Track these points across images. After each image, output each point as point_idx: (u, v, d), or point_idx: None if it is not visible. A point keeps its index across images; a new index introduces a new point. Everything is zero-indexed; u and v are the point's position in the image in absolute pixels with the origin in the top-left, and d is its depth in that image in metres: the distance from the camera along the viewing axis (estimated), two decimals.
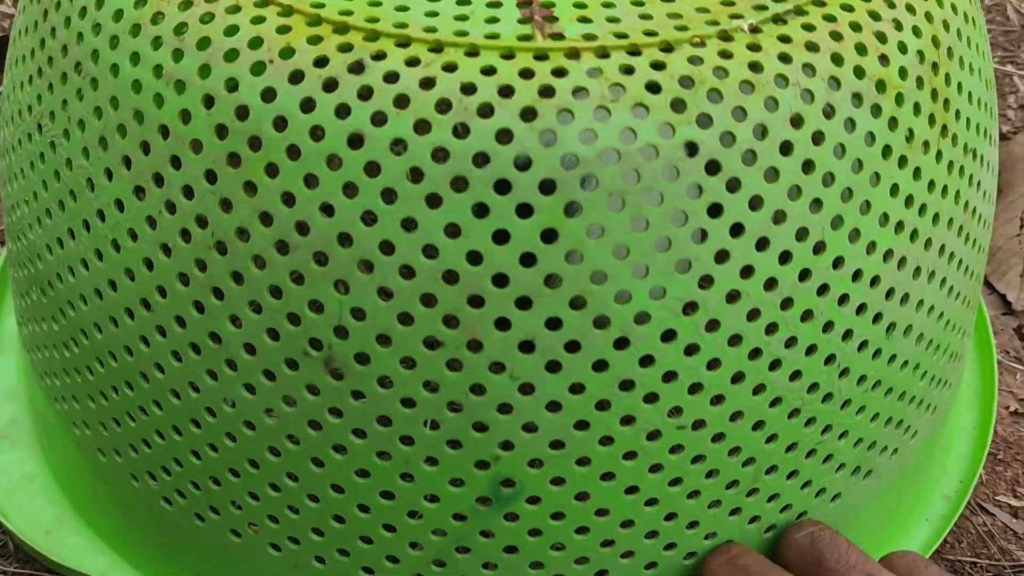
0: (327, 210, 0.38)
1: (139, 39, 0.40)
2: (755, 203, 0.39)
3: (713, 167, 0.38)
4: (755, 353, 0.41)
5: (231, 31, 0.39)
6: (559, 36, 0.39)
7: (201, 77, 0.39)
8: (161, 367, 0.41)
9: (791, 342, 0.41)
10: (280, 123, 0.38)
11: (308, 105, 0.38)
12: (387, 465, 0.41)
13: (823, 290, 0.41)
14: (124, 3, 0.41)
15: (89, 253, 0.42)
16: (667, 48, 0.39)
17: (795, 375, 0.42)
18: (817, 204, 0.40)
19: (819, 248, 0.40)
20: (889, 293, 0.43)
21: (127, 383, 0.43)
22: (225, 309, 0.39)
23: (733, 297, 0.40)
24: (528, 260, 0.38)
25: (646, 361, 0.40)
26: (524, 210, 0.38)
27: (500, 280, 0.38)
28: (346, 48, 0.38)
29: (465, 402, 0.39)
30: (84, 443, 0.49)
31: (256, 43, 0.39)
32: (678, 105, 0.38)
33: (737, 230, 0.39)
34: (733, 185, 0.39)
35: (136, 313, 0.41)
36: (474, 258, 0.38)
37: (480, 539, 0.43)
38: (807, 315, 0.41)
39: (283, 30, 0.39)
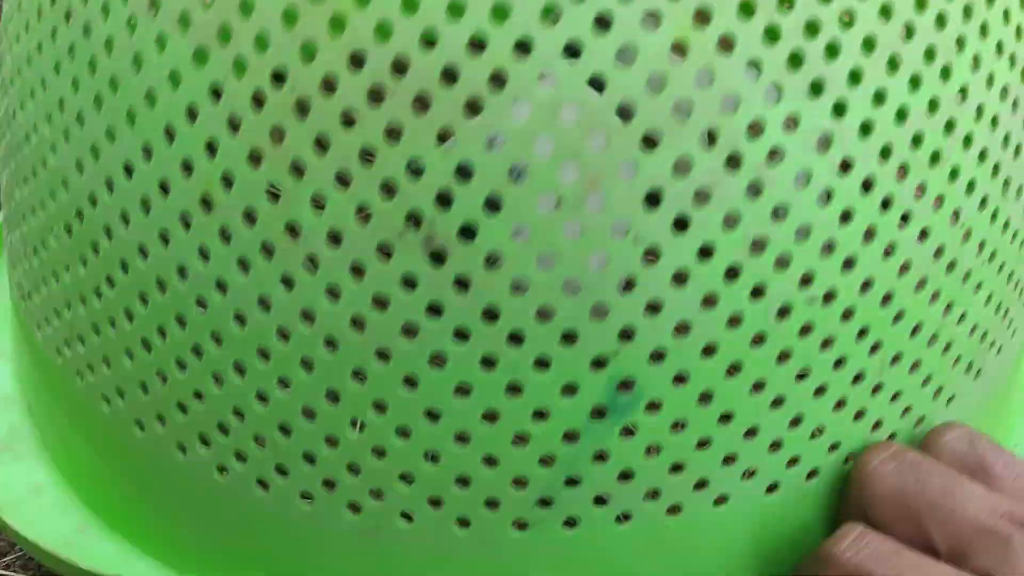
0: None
1: None
2: None
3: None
4: (886, 204, 0.37)
5: None
6: None
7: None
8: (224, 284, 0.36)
9: (921, 189, 0.37)
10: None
11: None
12: (491, 377, 0.35)
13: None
14: None
15: (135, 152, 0.36)
16: None
17: (923, 234, 0.38)
18: None
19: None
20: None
21: (178, 319, 0.37)
22: (306, 188, 0.34)
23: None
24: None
25: (779, 213, 0.35)
26: None
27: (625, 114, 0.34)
28: None
29: (583, 279, 0.34)
30: (109, 424, 0.42)
31: None
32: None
33: None
34: None
35: (194, 218, 0.36)
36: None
37: (592, 466, 0.37)
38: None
39: None
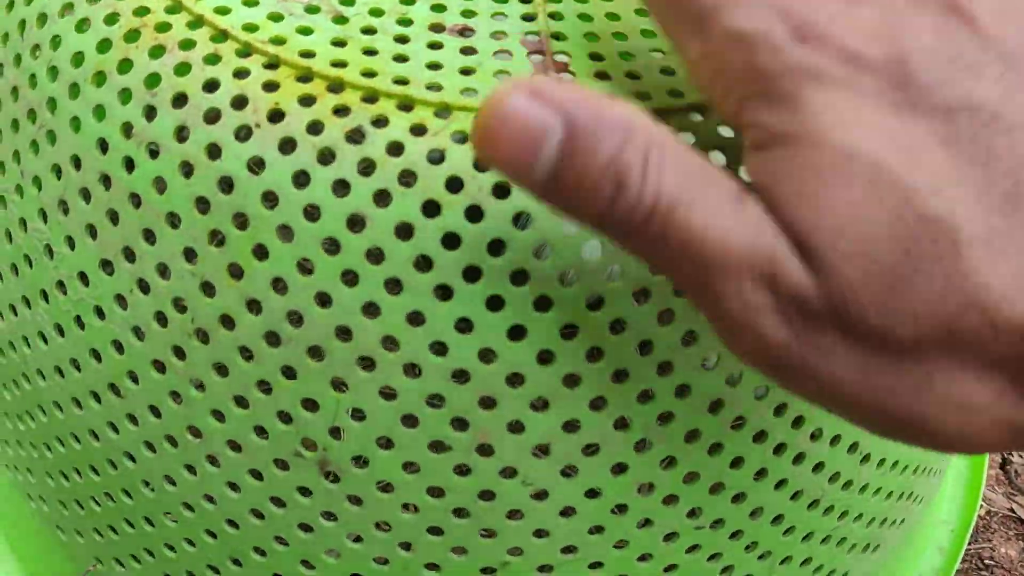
0: (323, 300, 0.33)
1: (104, 90, 0.35)
2: None
3: None
4: (780, 448, 0.38)
5: (211, 86, 0.33)
6: None
7: (178, 140, 0.33)
8: (132, 456, 0.37)
9: (816, 435, 0.38)
10: (270, 198, 0.32)
11: (302, 179, 0.32)
12: (384, 570, 0.37)
13: None
14: (84, 44, 0.35)
15: (48, 327, 0.37)
16: (696, 110, 0.34)
17: (818, 466, 0.39)
18: None
19: None
20: None
21: (92, 467, 0.39)
22: (207, 402, 0.35)
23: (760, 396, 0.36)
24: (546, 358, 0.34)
25: (668, 463, 0.36)
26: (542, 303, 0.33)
27: (514, 379, 0.34)
28: (343, 111, 0.33)
29: (473, 508, 0.35)
30: (43, 518, 0.45)
31: (240, 102, 0.33)
32: None
33: None
34: None
35: (103, 398, 0.37)
36: (487, 356, 0.33)
37: None
38: None
39: (270, 87, 0.33)
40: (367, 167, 0.33)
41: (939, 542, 0.52)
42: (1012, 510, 0.65)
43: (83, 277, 0.36)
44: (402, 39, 0.35)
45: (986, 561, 0.60)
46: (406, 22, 0.36)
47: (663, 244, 0.26)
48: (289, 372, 0.34)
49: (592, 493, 0.36)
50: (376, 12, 0.36)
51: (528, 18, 0.36)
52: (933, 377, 0.25)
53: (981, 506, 0.63)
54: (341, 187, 0.33)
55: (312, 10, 0.35)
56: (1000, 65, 0.25)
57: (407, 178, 0.33)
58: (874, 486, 0.41)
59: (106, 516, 0.41)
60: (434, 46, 0.35)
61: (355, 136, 0.33)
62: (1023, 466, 0.66)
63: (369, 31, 0.35)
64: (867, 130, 0.24)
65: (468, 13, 0.36)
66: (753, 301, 0.25)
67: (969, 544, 0.61)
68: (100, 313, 0.36)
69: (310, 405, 0.34)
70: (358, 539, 0.37)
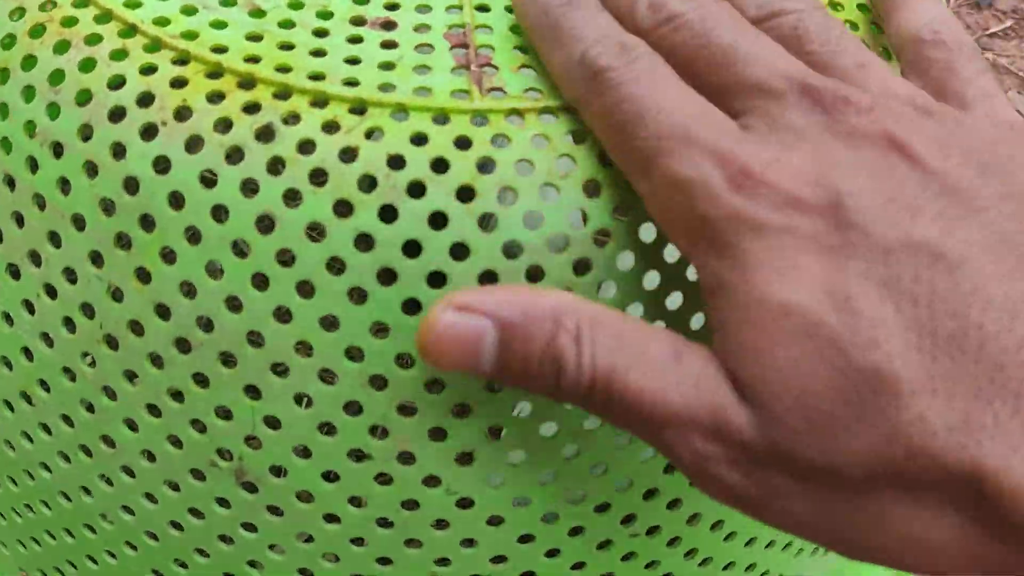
0: (234, 304, 0.32)
1: (8, 87, 0.34)
2: None
3: None
4: None
5: (116, 83, 0.32)
6: (499, 91, 0.33)
7: (82, 139, 0.32)
8: (48, 467, 0.36)
9: None
10: (176, 200, 0.31)
11: (209, 179, 0.31)
12: None
13: None
14: None
15: None
16: None
17: None
18: None
19: None
20: None
21: (10, 478, 0.38)
22: (119, 411, 0.34)
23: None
24: None
25: (600, 469, 0.35)
26: None
27: (434, 385, 0.32)
28: (252, 108, 0.32)
29: (396, 518, 0.34)
30: None
31: (146, 99, 0.32)
32: None
33: None
34: None
35: (16, 406, 0.36)
36: (404, 360, 0.32)
37: None
38: None
39: (178, 83, 0.32)
40: (276, 166, 0.31)
41: None
42: None
43: None
44: (321, 33, 0.34)
45: None
46: (326, 15, 0.34)
47: (611, 408, 0.27)
48: (201, 379, 0.33)
49: (520, 502, 0.34)
50: (295, 5, 0.35)
51: (454, 10, 0.35)
52: (887, 514, 0.25)
53: None
54: (249, 187, 0.31)
55: (228, 3, 0.34)
56: (941, 201, 0.25)
57: (318, 177, 0.31)
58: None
59: (27, 527, 0.39)
60: (354, 40, 0.34)
61: (265, 134, 0.32)
62: None
63: (287, 25, 0.34)
64: (803, 281, 0.24)
65: (391, 6, 0.35)
66: (702, 451, 0.26)
67: None
68: (8, 319, 0.35)
69: (224, 413, 0.33)
70: (280, 551, 0.35)
